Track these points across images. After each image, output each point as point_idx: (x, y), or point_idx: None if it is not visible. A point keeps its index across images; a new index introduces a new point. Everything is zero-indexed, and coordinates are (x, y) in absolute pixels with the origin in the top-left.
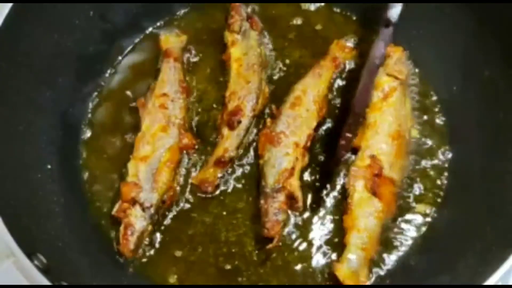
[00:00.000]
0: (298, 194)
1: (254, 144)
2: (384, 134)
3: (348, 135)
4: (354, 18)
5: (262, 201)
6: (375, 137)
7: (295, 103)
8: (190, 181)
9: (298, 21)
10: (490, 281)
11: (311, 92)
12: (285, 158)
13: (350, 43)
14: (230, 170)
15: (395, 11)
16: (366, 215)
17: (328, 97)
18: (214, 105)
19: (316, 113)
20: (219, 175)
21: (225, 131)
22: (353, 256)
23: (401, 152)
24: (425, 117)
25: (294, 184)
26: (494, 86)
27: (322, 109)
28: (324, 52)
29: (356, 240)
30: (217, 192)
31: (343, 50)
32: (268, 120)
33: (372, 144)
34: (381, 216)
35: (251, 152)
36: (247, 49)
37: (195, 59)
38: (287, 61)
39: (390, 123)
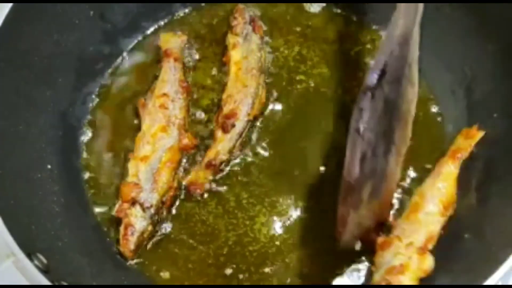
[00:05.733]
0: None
1: (255, 143)
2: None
3: (342, 209)
4: (355, 18)
5: None
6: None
7: (412, 210)
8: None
9: (298, 22)
10: (490, 281)
11: (431, 194)
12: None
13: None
14: (230, 169)
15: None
16: None
17: (456, 196)
18: (214, 106)
19: (439, 214)
20: (211, 177)
21: (219, 133)
22: None
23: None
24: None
25: None
26: None
27: (448, 208)
28: (324, 52)
29: None
30: (217, 192)
31: (471, 138)
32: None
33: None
34: None
35: (251, 152)
36: (247, 53)
37: (195, 59)
38: (287, 61)
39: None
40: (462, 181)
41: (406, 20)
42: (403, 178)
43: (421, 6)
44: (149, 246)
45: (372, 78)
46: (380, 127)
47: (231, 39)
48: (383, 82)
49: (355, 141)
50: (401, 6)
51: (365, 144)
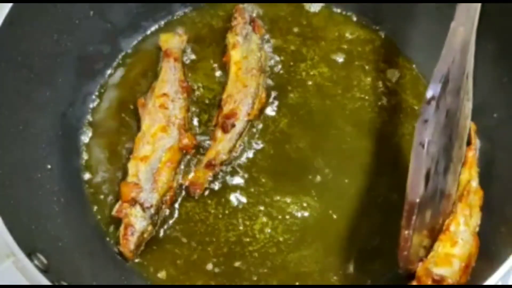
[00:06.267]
0: None
1: (255, 143)
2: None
3: (406, 232)
4: (355, 18)
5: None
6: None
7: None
8: (180, 182)
9: (298, 21)
10: (490, 281)
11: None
12: None
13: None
14: (230, 169)
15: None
16: None
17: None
18: (214, 106)
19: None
20: (210, 178)
21: (219, 133)
22: None
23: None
24: None
25: None
26: None
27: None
28: (324, 51)
29: None
30: (217, 192)
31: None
32: None
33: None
34: None
35: (251, 152)
36: (247, 53)
37: (195, 60)
38: (286, 61)
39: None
40: None
41: (466, 27)
42: None
43: (477, 13)
44: (149, 246)
45: (436, 87)
46: (442, 140)
47: (231, 39)
48: (446, 92)
49: (419, 156)
50: (461, 12)
51: (429, 159)
